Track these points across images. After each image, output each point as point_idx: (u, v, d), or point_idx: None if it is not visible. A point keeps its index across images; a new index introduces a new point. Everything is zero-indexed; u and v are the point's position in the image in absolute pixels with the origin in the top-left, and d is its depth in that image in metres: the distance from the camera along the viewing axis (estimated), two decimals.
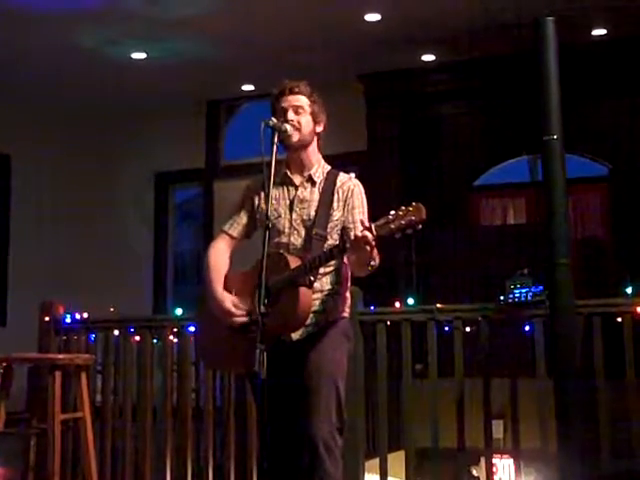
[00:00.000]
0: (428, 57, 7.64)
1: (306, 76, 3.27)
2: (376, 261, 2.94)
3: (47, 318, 5.03)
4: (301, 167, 3.22)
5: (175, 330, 4.85)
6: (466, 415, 4.30)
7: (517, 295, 4.15)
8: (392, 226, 2.77)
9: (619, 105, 7.39)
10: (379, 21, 6.83)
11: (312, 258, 3.00)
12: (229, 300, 3.11)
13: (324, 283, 3.12)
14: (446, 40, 7.14)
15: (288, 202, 3.19)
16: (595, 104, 7.35)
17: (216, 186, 9.07)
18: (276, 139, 3.07)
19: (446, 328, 4.37)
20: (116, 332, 5.02)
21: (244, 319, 3.05)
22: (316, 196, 3.17)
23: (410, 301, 4.55)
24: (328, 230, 3.12)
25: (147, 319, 5.19)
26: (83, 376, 4.45)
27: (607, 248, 7.64)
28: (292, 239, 3.14)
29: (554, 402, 3.84)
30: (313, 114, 3.20)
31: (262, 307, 2.83)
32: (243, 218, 3.28)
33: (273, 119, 3.10)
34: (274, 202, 3.16)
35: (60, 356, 4.62)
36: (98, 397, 5.05)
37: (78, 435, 4.52)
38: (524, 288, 4.15)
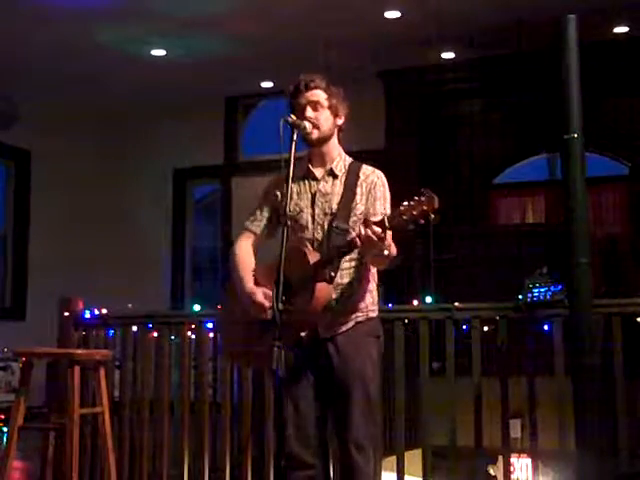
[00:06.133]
0: (448, 55, 7.61)
1: (325, 73, 3.24)
2: (391, 252, 2.89)
3: (66, 313, 5.05)
4: (322, 161, 3.18)
5: (193, 326, 4.86)
6: (484, 414, 4.28)
7: (536, 294, 4.12)
8: (405, 217, 2.71)
9: None
10: (399, 18, 6.82)
11: (327, 253, 2.96)
12: (260, 293, 3.03)
13: (345, 278, 3.07)
14: (466, 38, 7.11)
15: (310, 196, 3.14)
16: (616, 102, 7.30)
17: (234, 182, 9.09)
18: (295, 136, 2.98)
19: (464, 327, 4.35)
20: (134, 328, 5.03)
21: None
22: (338, 189, 3.12)
23: (428, 299, 4.53)
24: (350, 223, 3.05)
25: (165, 315, 5.20)
26: (102, 371, 4.47)
27: (627, 247, 7.59)
28: (315, 234, 3.10)
29: (572, 401, 3.82)
30: (331, 108, 3.14)
31: (280, 304, 2.76)
32: (265, 214, 3.23)
33: (292, 116, 3.04)
34: (295, 197, 3.10)
35: (79, 351, 4.64)
36: (116, 392, 5.07)
37: (97, 430, 4.54)
38: (543, 287, 4.12)
